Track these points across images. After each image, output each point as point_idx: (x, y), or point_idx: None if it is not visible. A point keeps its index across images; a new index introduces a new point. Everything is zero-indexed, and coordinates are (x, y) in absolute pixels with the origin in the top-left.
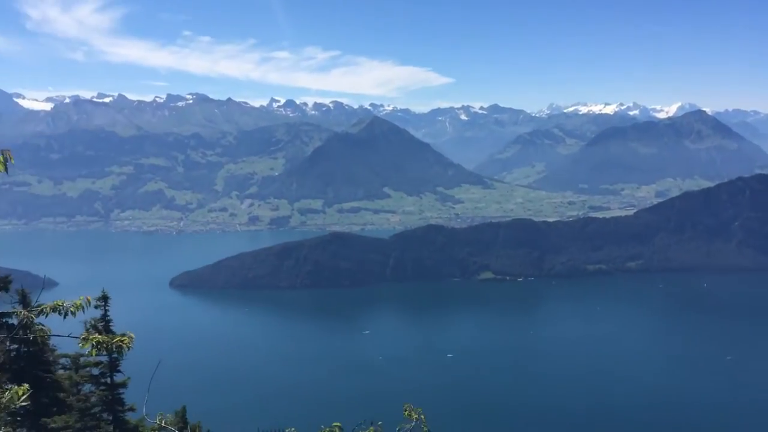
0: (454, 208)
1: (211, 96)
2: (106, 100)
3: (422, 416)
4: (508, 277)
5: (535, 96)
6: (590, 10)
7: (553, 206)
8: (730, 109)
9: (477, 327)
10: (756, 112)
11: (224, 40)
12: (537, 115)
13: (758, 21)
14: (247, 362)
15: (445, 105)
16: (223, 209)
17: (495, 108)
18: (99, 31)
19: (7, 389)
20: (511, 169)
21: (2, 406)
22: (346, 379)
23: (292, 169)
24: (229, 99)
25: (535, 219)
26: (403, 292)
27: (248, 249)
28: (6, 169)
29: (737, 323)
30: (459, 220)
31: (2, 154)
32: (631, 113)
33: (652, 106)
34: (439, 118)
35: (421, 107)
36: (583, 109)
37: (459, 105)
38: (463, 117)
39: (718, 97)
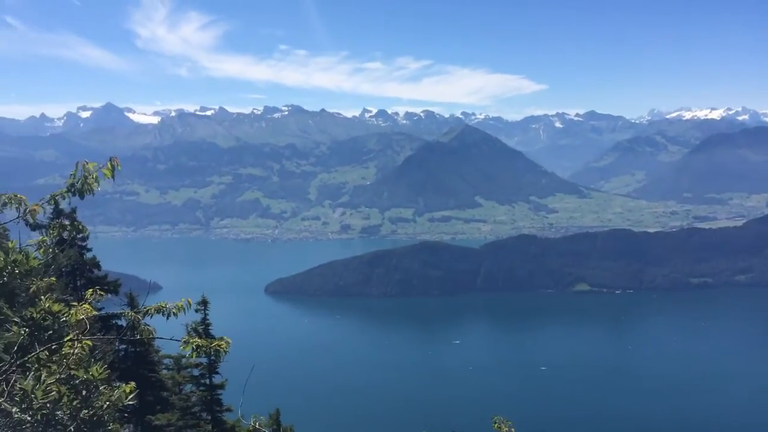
0: (547, 217)
1: (305, 107)
2: (208, 113)
3: (513, 429)
4: (605, 290)
5: (634, 102)
6: (694, 11)
7: (654, 216)
8: None
9: (572, 340)
10: None
11: (318, 52)
12: (637, 122)
13: None
14: (338, 368)
15: (538, 112)
16: (316, 218)
17: (592, 115)
18: (202, 47)
19: (116, 387)
20: (609, 177)
21: (111, 403)
22: (436, 387)
23: (383, 178)
24: (323, 110)
25: (635, 229)
26: (494, 302)
27: (339, 257)
28: (113, 176)
29: None
30: (553, 230)
31: (110, 162)
32: (739, 118)
33: (763, 111)
34: (533, 126)
35: (513, 115)
36: (687, 115)
37: (553, 112)
38: (558, 124)
39: None
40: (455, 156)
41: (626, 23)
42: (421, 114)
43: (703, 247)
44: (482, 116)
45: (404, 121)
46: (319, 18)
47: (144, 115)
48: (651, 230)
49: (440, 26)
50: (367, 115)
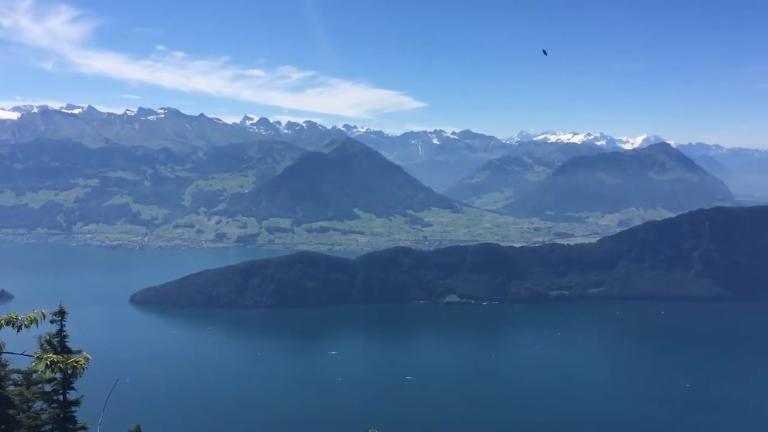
0: (422, 231)
1: (183, 111)
2: (75, 111)
3: None
4: (473, 301)
5: (506, 123)
6: (559, 40)
7: (520, 232)
8: (694, 143)
9: (439, 350)
10: (718, 147)
11: (198, 55)
12: (507, 142)
13: (721, 61)
14: (207, 381)
15: (418, 129)
16: (190, 225)
17: (467, 133)
18: (70, 42)
19: None
20: (481, 194)
21: None
22: (306, 398)
23: (262, 187)
24: (202, 115)
25: (502, 244)
26: (370, 313)
27: (213, 266)
28: None
29: (692, 350)
30: (427, 243)
31: None
32: (598, 143)
33: (619, 137)
34: (412, 142)
35: (394, 130)
36: (552, 138)
37: (432, 129)
38: (435, 141)
39: (683, 130)
40: (336, 167)
41: (499, 49)
42: (304, 124)
43: (562, 262)
44: (364, 129)
45: (286, 131)
46: (200, 20)
47: (2, 110)
48: (517, 245)
49: (323, 38)
50: (248, 122)
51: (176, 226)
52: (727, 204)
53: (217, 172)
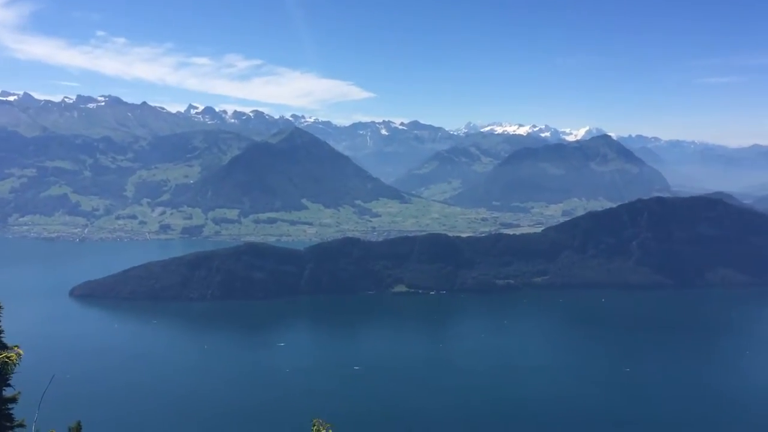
0: (371, 221)
1: (124, 99)
2: (10, 98)
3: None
4: (420, 291)
5: (453, 114)
6: (504, 34)
7: (467, 222)
8: (634, 135)
9: (387, 340)
10: (656, 139)
11: (140, 42)
12: (455, 133)
13: (661, 56)
14: (151, 376)
15: (366, 119)
16: (133, 216)
17: (415, 124)
18: (5, 26)
19: None
20: (429, 184)
21: None
22: (250, 390)
23: (208, 177)
24: (144, 103)
25: (450, 234)
26: (318, 304)
27: (157, 258)
28: None
29: (631, 336)
30: (375, 233)
31: None
32: (542, 135)
33: (563, 129)
34: (360, 132)
35: (342, 120)
36: (499, 129)
37: (380, 120)
38: (384, 132)
39: (623, 123)
40: (283, 158)
41: (446, 40)
42: (251, 114)
43: (508, 252)
44: (312, 119)
45: (232, 120)
46: (142, 5)
47: None
48: (464, 235)
49: (270, 26)
50: (193, 111)
51: (118, 218)
52: (665, 194)
53: (161, 162)
